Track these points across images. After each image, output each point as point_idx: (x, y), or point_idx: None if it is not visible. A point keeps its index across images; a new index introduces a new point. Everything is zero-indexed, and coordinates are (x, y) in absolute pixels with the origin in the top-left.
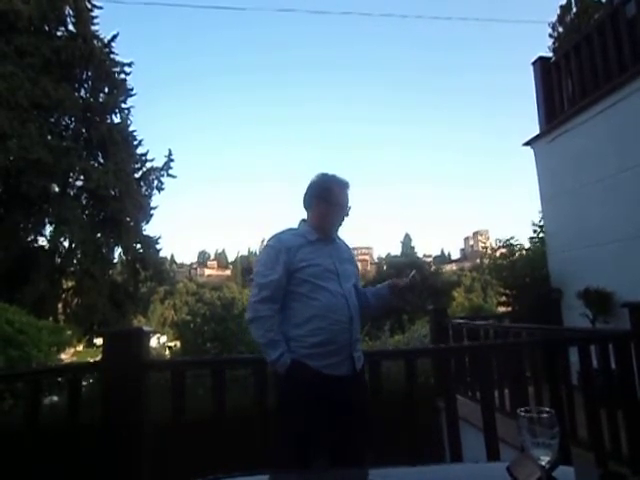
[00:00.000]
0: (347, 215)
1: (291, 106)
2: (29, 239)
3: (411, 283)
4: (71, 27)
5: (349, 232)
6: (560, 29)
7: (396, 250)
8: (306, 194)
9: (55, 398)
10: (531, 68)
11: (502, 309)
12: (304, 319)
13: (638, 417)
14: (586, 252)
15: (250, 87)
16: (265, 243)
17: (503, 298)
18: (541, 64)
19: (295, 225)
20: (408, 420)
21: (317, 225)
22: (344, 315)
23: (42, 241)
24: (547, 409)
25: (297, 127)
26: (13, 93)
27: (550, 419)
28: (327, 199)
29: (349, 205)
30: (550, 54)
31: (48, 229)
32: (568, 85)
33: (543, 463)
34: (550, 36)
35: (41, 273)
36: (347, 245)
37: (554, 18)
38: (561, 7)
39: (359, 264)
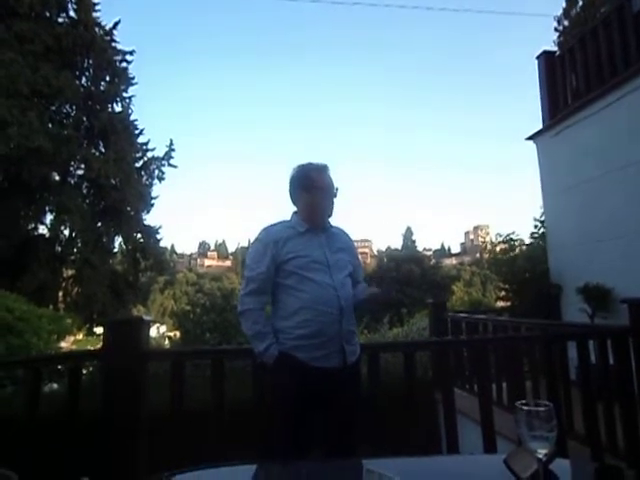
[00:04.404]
0: (334, 197)
1: (290, 102)
2: (29, 227)
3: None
4: (72, 14)
5: (349, 224)
6: (566, 23)
7: (397, 243)
8: (289, 190)
9: (55, 386)
10: (535, 62)
11: (501, 304)
12: (291, 311)
13: (635, 412)
14: (586, 248)
15: (257, 72)
16: (255, 236)
17: (502, 293)
18: (545, 58)
19: (288, 217)
20: (406, 412)
21: (306, 216)
22: (333, 307)
23: (42, 229)
24: (545, 402)
25: (297, 122)
26: (13, 80)
27: (548, 412)
28: (309, 188)
29: (334, 186)
30: (555, 48)
31: (48, 217)
32: (572, 79)
33: (540, 456)
34: (555, 30)
35: (41, 262)
36: (344, 233)
37: (560, 12)
38: (567, 1)
39: (359, 257)
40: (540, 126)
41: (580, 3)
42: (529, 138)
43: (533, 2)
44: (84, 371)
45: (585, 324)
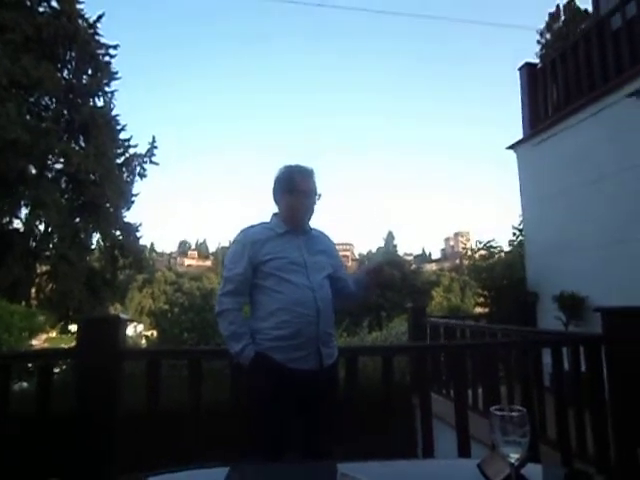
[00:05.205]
0: (315, 203)
1: (277, 102)
2: (4, 221)
3: (390, 278)
4: (55, 4)
5: (330, 228)
6: (548, 36)
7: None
8: (273, 189)
9: (25, 384)
10: (517, 73)
11: (479, 310)
12: (269, 312)
13: (605, 418)
14: (562, 257)
15: (237, 73)
16: (234, 237)
17: (481, 299)
18: (527, 70)
19: (268, 219)
20: (382, 416)
21: (287, 218)
22: (310, 308)
23: (17, 224)
24: (519, 408)
25: (283, 121)
26: None
27: (521, 418)
28: (291, 190)
29: (317, 192)
30: (537, 60)
31: (24, 212)
32: (553, 92)
33: (512, 460)
34: (538, 42)
35: (15, 256)
36: (325, 235)
37: (542, 25)
38: (550, 15)
39: (341, 257)
40: (521, 135)
41: (562, 18)
42: (509, 147)
43: (517, 15)
44: (56, 370)
45: (559, 331)
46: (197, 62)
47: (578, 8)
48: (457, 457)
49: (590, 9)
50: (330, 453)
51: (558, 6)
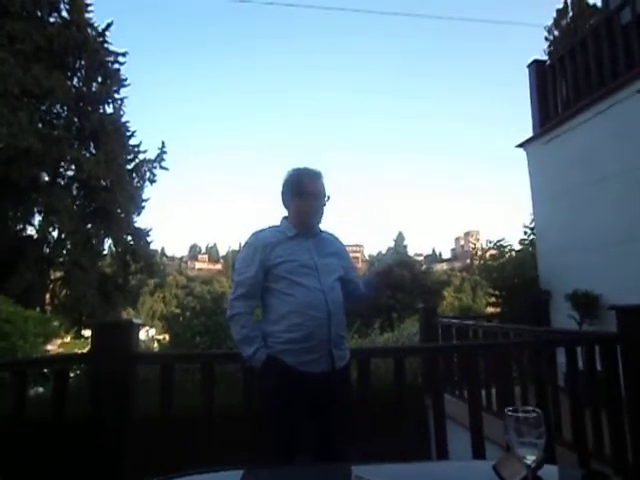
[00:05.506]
0: (324, 205)
1: (287, 104)
2: (18, 228)
3: (400, 279)
4: (65, 14)
5: (340, 229)
6: (556, 33)
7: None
8: (281, 193)
9: (40, 389)
10: (526, 71)
11: (491, 310)
12: (280, 315)
13: (622, 418)
14: (575, 255)
15: (249, 73)
16: (245, 240)
17: (492, 299)
18: (536, 67)
19: (278, 222)
20: (395, 418)
21: (296, 221)
22: (321, 311)
23: (31, 230)
24: (534, 409)
25: (293, 126)
26: (4, 80)
27: (536, 419)
28: (300, 193)
29: (326, 194)
30: (545, 57)
31: (37, 219)
32: (562, 88)
33: (529, 462)
34: (546, 39)
35: (29, 263)
36: (335, 237)
37: (550, 22)
38: (557, 11)
39: (351, 259)
40: (530, 134)
41: (570, 14)
42: (519, 145)
43: (524, 12)
44: (71, 374)
45: (574, 330)
46: (200, 62)
47: (587, 3)
48: (471, 458)
49: (599, 3)
50: (343, 455)
51: (566, 2)
